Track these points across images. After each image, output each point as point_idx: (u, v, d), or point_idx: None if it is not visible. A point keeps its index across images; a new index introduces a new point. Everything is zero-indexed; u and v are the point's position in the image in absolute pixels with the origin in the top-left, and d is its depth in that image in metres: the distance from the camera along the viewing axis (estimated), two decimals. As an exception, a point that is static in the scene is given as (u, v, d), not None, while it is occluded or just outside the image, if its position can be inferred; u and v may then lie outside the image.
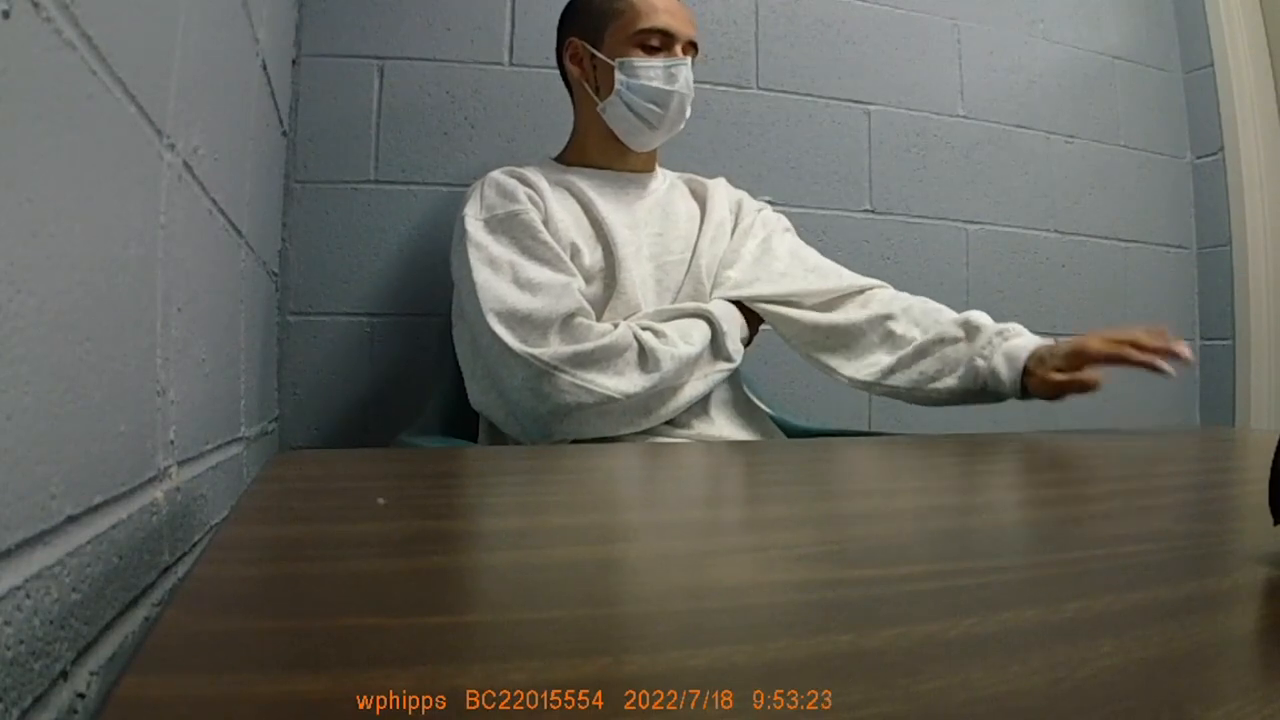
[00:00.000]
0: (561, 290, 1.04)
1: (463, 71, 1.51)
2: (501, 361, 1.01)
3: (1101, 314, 1.91)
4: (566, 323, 1.02)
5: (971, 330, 1.08)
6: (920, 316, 1.13)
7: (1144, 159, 1.98)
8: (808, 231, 1.66)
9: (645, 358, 1.04)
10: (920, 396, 1.10)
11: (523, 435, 1.06)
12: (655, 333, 1.07)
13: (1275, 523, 0.33)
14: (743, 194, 1.33)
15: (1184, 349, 0.97)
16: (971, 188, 1.81)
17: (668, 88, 1.16)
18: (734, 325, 1.14)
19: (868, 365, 1.13)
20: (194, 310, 0.72)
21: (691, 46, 1.20)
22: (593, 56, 1.19)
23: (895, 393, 1.12)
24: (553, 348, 1.00)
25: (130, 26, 0.52)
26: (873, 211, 1.73)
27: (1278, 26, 1.94)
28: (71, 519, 0.44)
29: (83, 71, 0.44)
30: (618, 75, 1.16)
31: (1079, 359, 1.00)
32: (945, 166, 1.80)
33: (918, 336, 1.11)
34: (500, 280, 1.04)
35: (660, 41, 1.17)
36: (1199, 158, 2.02)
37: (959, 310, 1.13)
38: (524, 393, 1.01)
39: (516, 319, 1.01)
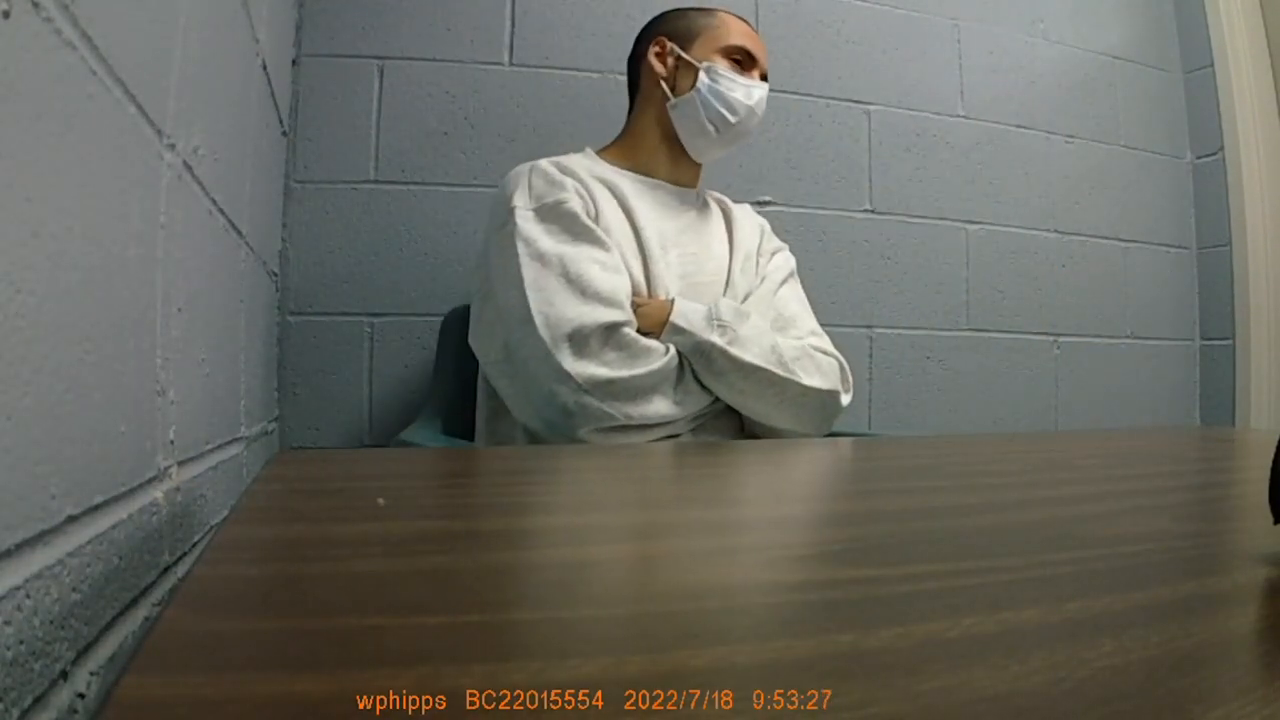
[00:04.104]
0: (610, 295, 1.04)
1: (463, 72, 1.51)
2: (536, 361, 1.02)
3: (1101, 314, 1.91)
4: (612, 333, 1.03)
5: None
6: None
7: (1144, 159, 1.98)
8: (808, 232, 1.67)
9: (680, 387, 1.06)
10: None
11: (526, 418, 1.07)
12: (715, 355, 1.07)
13: (1275, 522, 0.33)
14: (764, 223, 1.34)
15: None
16: (971, 188, 1.81)
17: (745, 100, 1.19)
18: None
19: None
20: (194, 310, 0.72)
21: (765, 76, 1.24)
22: (679, 57, 1.22)
23: None
24: (590, 368, 1.01)
25: (130, 27, 0.52)
26: (873, 211, 1.73)
27: (1278, 26, 1.94)
28: (71, 519, 0.44)
29: (83, 71, 0.44)
30: (701, 77, 1.19)
31: None
32: (945, 166, 1.80)
33: None
34: (549, 277, 1.04)
35: (744, 61, 1.22)
36: (1199, 157, 2.02)
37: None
38: (546, 396, 1.02)
39: (562, 328, 1.01)
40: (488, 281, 1.11)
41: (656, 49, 1.24)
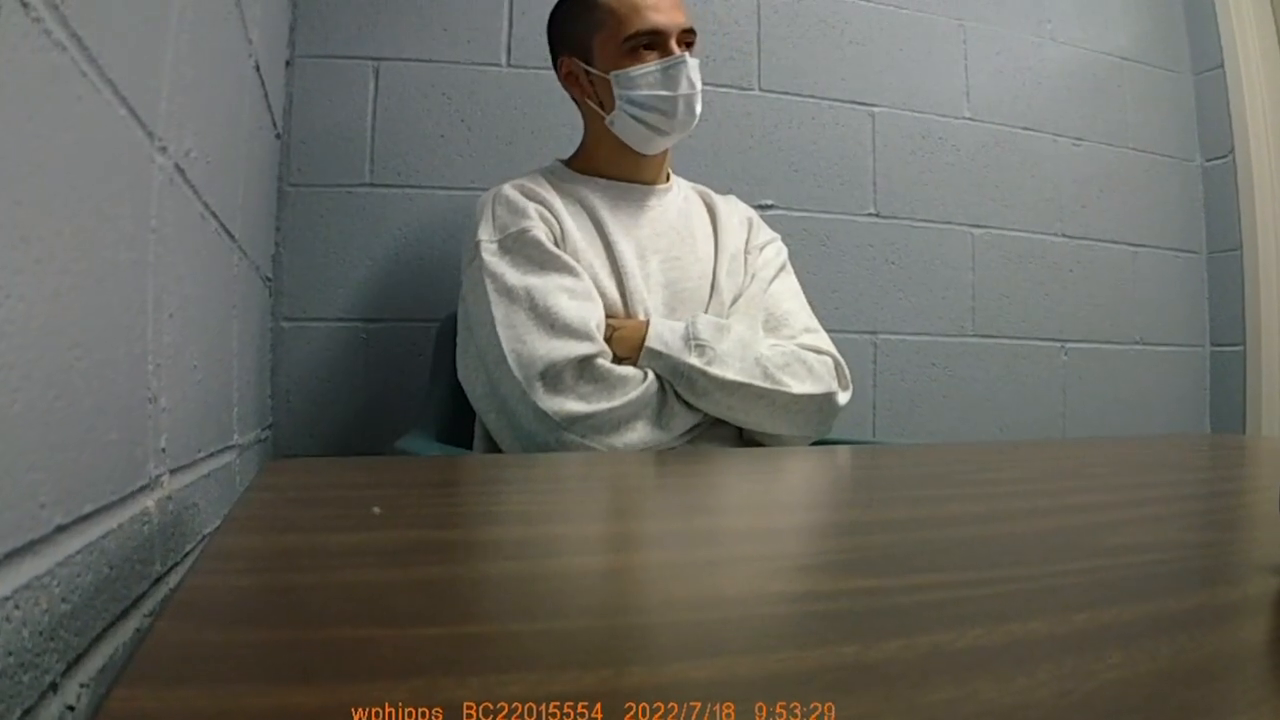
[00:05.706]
0: (580, 326, 1.03)
1: (459, 73, 1.51)
2: (514, 400, 1.02)
3: (1109, 319, 1.90)
4: (585, 366, 1.02)
5: None
6: None
7: (1153, 161, 1.97)
8: (811, 236, 1.67)
9: (665, 410, 1.05)
10: None
11: (520, 451, 1.06)
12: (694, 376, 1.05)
13: (1288, 530, 0.33)
14: (752, 214, 1.30)
15: None
16: (978, 191, 1.81)
17: (670, 93, 1.13)
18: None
19: None
20: (186, 316, 0.72)
21: (687, 34, 1.15)
22: (588, 73, 1.17)
23: None
24: (567, 404, 1.00)
25: (121, 27, 0.52)
26: (877, 215, 1.73)
27: (1286, 27, 1.93)
28: (61, 528, 0.44)
29: (73, 73, 0.44)
30: (616, 90, 1.13)
31: None
32: (951, 169, 1.79)
33: None
34: (517, 313, 1.03)
35: (651, 42, 1.13)
36: (1209, 160, 2.01)
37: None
38: (528, 435, 1.02)
39: (535, 366, 1.01)
40: (466, 317, 1.10)
41: (564, 71, 1.20)
